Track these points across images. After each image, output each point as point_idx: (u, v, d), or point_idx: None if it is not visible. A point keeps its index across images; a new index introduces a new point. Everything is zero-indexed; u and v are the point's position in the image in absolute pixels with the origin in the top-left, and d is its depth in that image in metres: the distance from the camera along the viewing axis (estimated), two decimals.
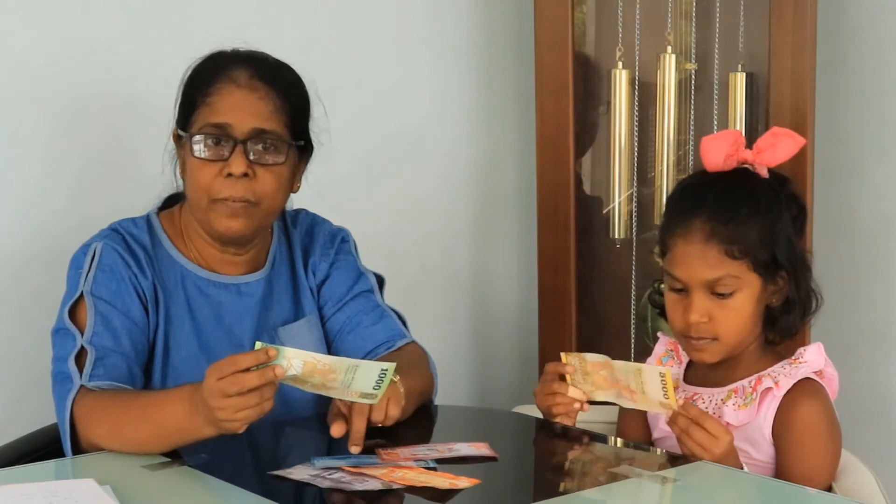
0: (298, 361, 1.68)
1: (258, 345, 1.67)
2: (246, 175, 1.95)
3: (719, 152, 1.96)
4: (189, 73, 2.04)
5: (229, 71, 1.99)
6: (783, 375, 1.93)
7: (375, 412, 1.86)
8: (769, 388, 1.92)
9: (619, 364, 1.90)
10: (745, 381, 1.96)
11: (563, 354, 1.98)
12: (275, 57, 2.05)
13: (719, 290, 1.92)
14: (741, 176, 1.96)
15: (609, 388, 1.94)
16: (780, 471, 1.90)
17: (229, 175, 1.95)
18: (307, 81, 2.06)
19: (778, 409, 1.92)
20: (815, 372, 1.94)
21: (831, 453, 1.92)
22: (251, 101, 1.98)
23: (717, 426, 1.81)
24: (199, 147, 1.97)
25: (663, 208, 2.81)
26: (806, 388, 1.92)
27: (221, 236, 2.02)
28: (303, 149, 2.06)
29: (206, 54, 2.04)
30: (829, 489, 1.89)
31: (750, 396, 1.93)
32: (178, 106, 2.04)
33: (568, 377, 1.96)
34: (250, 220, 1.99)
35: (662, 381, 1.85)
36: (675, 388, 2.03)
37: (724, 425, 1.84)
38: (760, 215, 1.92)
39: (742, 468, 1.82)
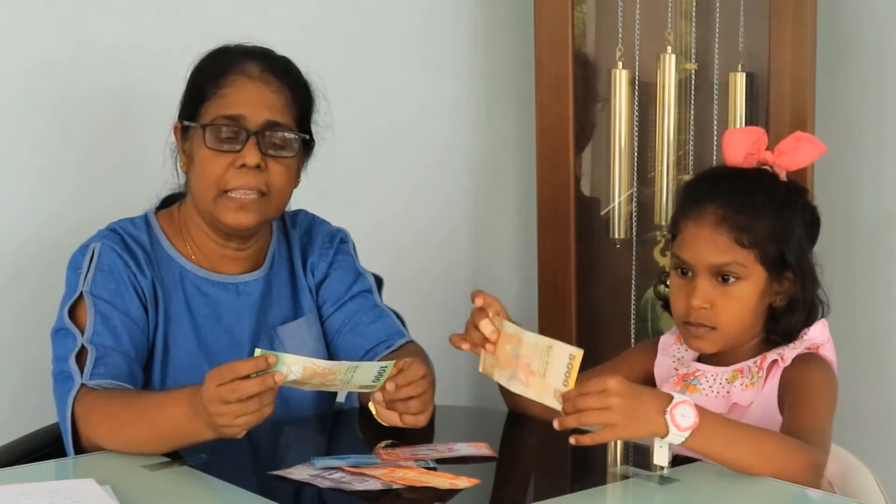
0: (298, 367, 1.68)
1: (258, 351, 1.67)
2: (258, 167, 1.96)
3: (741, 148, 1.97)
4: (197, 65, 2.05)
5: (241, 64, 2.00)
6: (788, 349, 1.93)
7: (408, 417, 1.87)
8: (775, 361, 1.92)
9: (531, 338, 1.77)
10: (750, 361, 1.96)
11: (487, 321, 1.86)
12: (277, 53, 2.06)
13: (724, 274, 1.91)
14: (759, 174, 1.97)
15: (507, 366, 1.82)
16: (784, 419, 1.87)
17: (242, 166, 1.96)
18: (313, 76, 2.07)
19: (780, 378, 1.91)
20: (815, 347, 1.94)
21: (826, 404, 1.87)
22: (264, 94, 1.99)
23: (595, 382, 1.66)
24: (212, 138, 1.97)
25: (663, 208, 2.83)
26: (807, 356, 1.93)
27: (228, 230, 2.02)
28: (306, 143, 2.07)
29: (214, 48, 2.05)
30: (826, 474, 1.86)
31: (756, 375, 1.93)
32: (184, 98, 2.05)
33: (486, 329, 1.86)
34: (258, 212, 1.99)
35: (569, 363, 1.70)
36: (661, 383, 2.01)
37: (604, 378, 1.67)
38: (774, 210, 1.93)
39: (671, 398, 1.67)
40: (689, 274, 1.95)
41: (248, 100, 1.98)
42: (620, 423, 1.66)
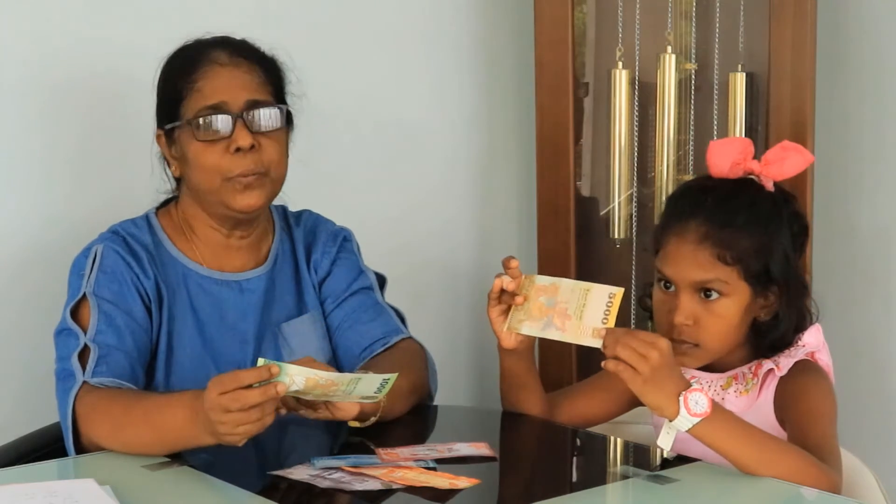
0: (301, 378, 1.68)
1: (261, 361, 1.68)
2: (252, 147, 1.97)
3: (726, 159, 1.94)
4: (164, 68, 2.06)
5: (208, 54, 2.01)
6: (784, 357, 1.92)
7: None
8: (771, 370, 1.91)
9: (569, 283, 1.87)
10: (744, 368, 1.96)
11: (504, 277, 1.94)
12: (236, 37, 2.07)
13: (706, 290, 1.90)
14: (745, 185, 1.95)
15: (541, 317, 1.90)
16: (790, 437, 1.88)
17: (237, 150, 1.97)
18: (279, 51, 2.08)
19: (777, 388, 1.91)
20: (811, 353, 1.94)
21: (831, 418, 1.88)
22: (238, 76, 2.01)
23: (650, 334, 1.75)
24: (200, 131, 1.98)
25: (663, 208, 2.83)
26: (804, 366, 1.92)
27: (237, 214, 2.02)
28: (287, 117, 2.08)
29: (174, 50, 2.06)
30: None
31: (751, 382, 1.93)
32: (160, 103, 2.05)
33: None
34: (263, 190, 2.01)
35: (609, 301, 1.80)
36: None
37: (658, 335, 1.77)
38: (758, 226, 1.90)
39: (688, 385, 1.74)
40: (672, 288, 1.94)
41: (224, 86, 1.99)
42: (643, 375, 1.72)
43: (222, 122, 1.97)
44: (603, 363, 1.76)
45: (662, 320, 1.95)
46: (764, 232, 1.91)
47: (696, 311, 1.91)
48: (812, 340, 1.95)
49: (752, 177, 1.96)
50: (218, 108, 1.98)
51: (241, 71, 2.01)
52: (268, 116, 2.01)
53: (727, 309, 1.91)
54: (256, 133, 1.98)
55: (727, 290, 1.90)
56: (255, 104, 1.99)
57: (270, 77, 2.05)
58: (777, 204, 1.94)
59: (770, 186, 1.95)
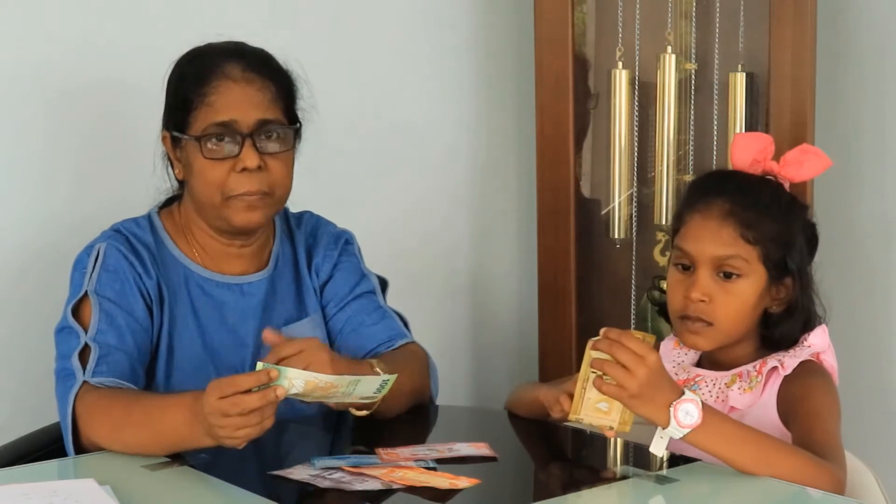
0: (300, 381, 1.68)
1: (259, 365, 1.68)
2: (259, 167, 1.96)
3: (748, 153, 1.97)
4: (175, 73, 2.04)
5: (221, 67, 1.99)
6: (788, 356, 1.93)
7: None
8: (775, 368, 1.91)
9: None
10: (749, 366, 1.96)
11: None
12: (252, 45, 2.05)
13: (725, 270, 1.91)
14: (765, 180, 1.98)
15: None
16: (794, 437, 1.87)
17: (243, 170, 1.96)
18: (289, 60, 2.06)
19: (780, 387, 1.91)
20: (816, 354, 1.94)
21: (834, 416, 1.88)
22: (250, 94, 1.98)
23: (641, 346, 1.69)
24: (208, 147, 1.97)
25: (663, 208, 2.83)
26: (809, 366, 1.92)
27: (237, 230, 2.02)
28: (296, 130, 2.07)
29: (188, 54, 2.04)
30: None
31: (755, 379, 1.93)
32: (168, 108, 2.04)
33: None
34: (265, 209, 2.00)
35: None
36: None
37: (650, 349, 1.71)
38: (780, 215, 1.93)
39: (682, 393, 1.71)
40: (690, 269, 1.94)
41: (235, 103, 1.97)
42: (630, 391, 1.69)
43: (230, 142, 1.96)
44: (593, 381, 1.73)
45: (677, 298, 1.95)
46: (785, 222, 1.94)
47: (713, 288, 1.92)
48: (818, 341, 1.95)
49: (770, 177, 1.98)
50: (227, 126, 1.96)
51: (254, 88, 1.99)
52: (277, 137, 2.00)
53: (744, 290, 1.92)
54: (264, 154, 1.98)
55: (746, 269, 1.91)
56: (264, 123, 1.98)
57: (282, 93, 2.02)
58: (796, 204, 1.98)
59: (787, 187, 1.98)
